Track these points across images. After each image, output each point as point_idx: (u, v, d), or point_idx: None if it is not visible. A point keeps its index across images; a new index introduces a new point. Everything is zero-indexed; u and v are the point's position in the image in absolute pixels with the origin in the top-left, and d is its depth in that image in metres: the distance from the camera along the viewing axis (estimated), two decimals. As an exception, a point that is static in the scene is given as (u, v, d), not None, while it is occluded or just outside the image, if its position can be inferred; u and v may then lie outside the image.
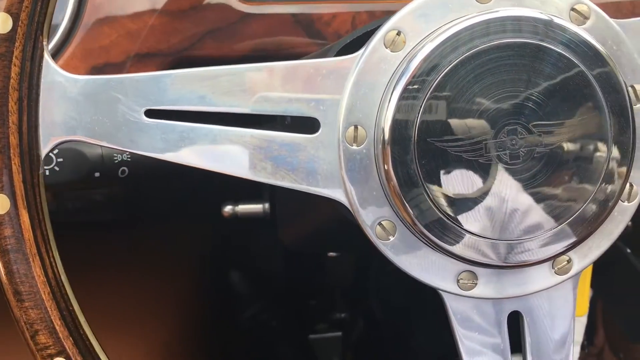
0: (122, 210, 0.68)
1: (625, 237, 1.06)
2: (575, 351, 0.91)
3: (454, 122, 0.39)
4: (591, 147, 0.40)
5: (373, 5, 0.65)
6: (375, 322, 1.17)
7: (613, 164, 0.41)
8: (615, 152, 0.41)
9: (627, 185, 0.42)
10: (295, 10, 0.63)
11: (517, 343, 0.47)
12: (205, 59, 0.62)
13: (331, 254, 0.86)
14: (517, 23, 0.39)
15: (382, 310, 1.17)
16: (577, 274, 0.44)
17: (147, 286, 0.89)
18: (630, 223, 1.08)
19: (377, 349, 1.17)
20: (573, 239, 0.42)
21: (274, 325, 1.17)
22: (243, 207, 0.74)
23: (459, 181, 0.39)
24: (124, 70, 0.60)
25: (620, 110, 0.40)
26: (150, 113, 0.40)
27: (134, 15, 0.60)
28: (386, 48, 0.40)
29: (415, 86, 0.39)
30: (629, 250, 0.99)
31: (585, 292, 0.76)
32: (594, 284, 0.80)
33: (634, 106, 0.41)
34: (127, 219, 0.74)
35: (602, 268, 0.79)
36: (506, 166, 0.40)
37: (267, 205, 0.73)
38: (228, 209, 0.75)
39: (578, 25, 0.41)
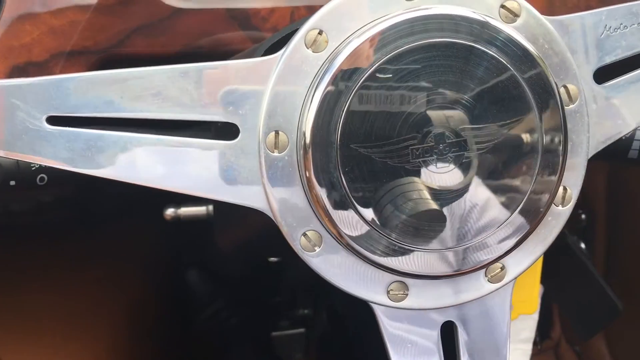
0: (48, 216, 0.65)
1: (580, 230, 1.07)
2: (526, 348, 0.92)
3: (377, 126, 0.37)
4: (521, 150, 0.39)
5: (312, 0, 0.63)
6: (338, 317, 1.16)
7: (544, 168, 0.39)
8: (546, 156, 0.39)
9: (561, 188, 0.41)
10: (230, 5, 0.60)
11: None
12: (135, 56, 0.59)
13: (272, 259, 0.84)
14: (444, 22, 0.38)
15: (345, 306, 1.16)
16: (512, 281, 0.43)
17: (88, 292, 0.86)
18: (584, 216, 1.09)
19: (340, 345, 1.16)
20: (505, 246, 0.40)
21: (235, 323, 1.15)
22: (185, 210, 0.71)
23: (385, 189, 0.38)
24: (47, 69, 0.57)
25: (551, 112, 0.39)
26: (54, 120, 0.37)
27: (57, 11, 0.57)
28: (307, 48, 0.38)
29: (337, 89, 0.37)
30: (583, 246, 0.99)
31: (535, 289, 0.75)
32: (545, 280, 0.80)
33: (566, 107, 0.40)
34: (55, 224, 0.71)
35: (552, 264, 0.79)
36: (434, 172, 0.38)
37: (210, 207, 0.70)
38: (170, 211, 0.72)
39: (508, 23, 0.39)
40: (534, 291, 0.75)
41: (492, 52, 0.38)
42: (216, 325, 1.11)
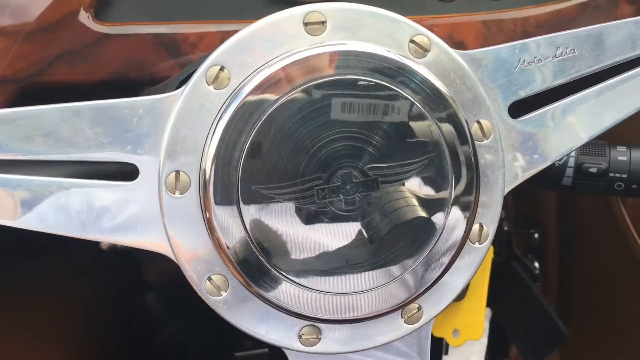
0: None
1: (534, 249, 1.07)
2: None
3: (281, 166, 0.36)
4: (432, 190, 0.38)
5: (244, 26, 0.61)
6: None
7: (456, 207, 0.38)
8: (457, 194, 0.38)
9: (477, 226, 0.40)
10: (158, 31, 0.58)
11: None
12: (58, 85, 0.56)
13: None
14: (349, 58, 0.36)
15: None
16: (430, 321, 0.41)
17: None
18: (537, 235, 1.08)
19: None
20: (420, 287, 0.39)
21: (195, 345, 1.12)
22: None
23: (290, 232, 0.36)
24: (-37, 98, 0.55)
25: (462, 150, 0.38)
26: None
27: (-27, 37, 0.55)
28: (209, 85, 0.36)
29: (238, 127, 0.35)
30: (537, 265, 0.99)
31: (481, 314, 0.74)
32: (492, 304, 0.79)
33: (479, 143, 0.39)
34: None
35: (498, 288, 0.78)
36: (342, 213, 0.37)
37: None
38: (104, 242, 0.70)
39: (418, 58, 0.38)
40: (480, 316, 0.74)
41: (399, 89, 0.37)
42: (176, 347, 1.08)
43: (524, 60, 0.40)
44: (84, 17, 0.56)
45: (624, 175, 0.56)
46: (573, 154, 0.58)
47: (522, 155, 0.41)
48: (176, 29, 0.59)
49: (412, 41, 0.38)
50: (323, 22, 0.37)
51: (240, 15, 0.65)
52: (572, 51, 0.41)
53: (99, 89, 0.57)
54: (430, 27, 0.66)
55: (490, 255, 0.77)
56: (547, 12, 0.67)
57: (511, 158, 0.41)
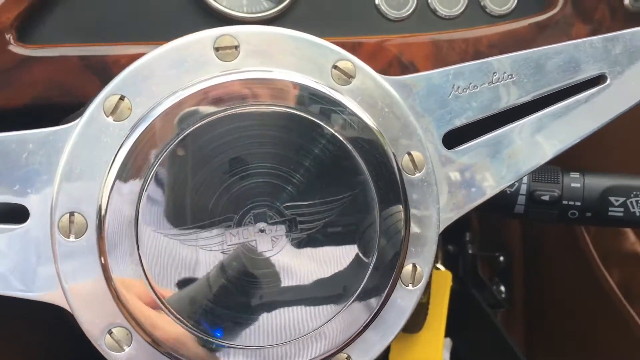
0: None
1: (500, 271, 1.05)
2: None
3: (186, 206, 0.32)
4: (357, 228, 0.35)
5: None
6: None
7: (384, 247, 0.35)
8: (385, 233, 0.35)
9: (409, 266, 0.37)
10: (85, 53, 0.55)
11: None
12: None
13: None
14: (264, 87, 0.33)
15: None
16: None
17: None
18: (502, 258, 1.06)
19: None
20: (346, 336, 0.36)
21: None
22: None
23: (197, 280, 0.33)
24: None
25: (389, 185, 0.35)
26: None
27: None
28: (107, 116, 0.33)
29: (137, 163, 0.32)
30: (503, 288, 0.96)
31: (439, 346, 0.71)
32: (451, 334, 0.76)
33: (411, 176, 0.36)
34: None
35: (458, 318, 0.75)
36: (256, 257, 0.33)
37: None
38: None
39: (342, 85, 0.35)
40: (439, 348, 0.71)
41: (319, 120, 0.34)
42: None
43: (458, 87, 0.38)
44: (5, 39, 0.53)
45: (578, 203, 0.53)
46: (525, 180, 0.55)
47: (459, 189, 0.38)
48: (106, 51, 0.56)
49: (335, 67, 0.35)
50: (236, 47, 0.34)
51: (178, 36, 0.62)
52: (510, 76, 0.38)
53: (21, 115, 0.53)
54: (379, 47, 0.64)
55: (449, 283, 0.74)
56: (500, 31, 0.65)
57: (447, 192, 0.38)
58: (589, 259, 0.76)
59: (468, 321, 0.76)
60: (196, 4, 0.60)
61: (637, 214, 0.53)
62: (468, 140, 0.39)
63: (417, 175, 0.37)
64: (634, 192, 0.53)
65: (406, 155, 0.37)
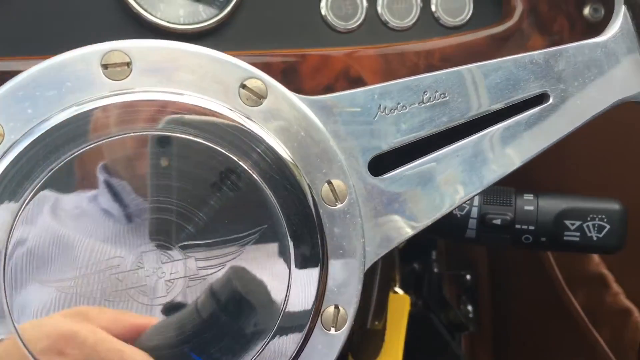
0: None
1: (467, 291, 1.01)
2: None
3: (63, 248, 0.28)
4: (267, 268, 0.31)
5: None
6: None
7: (299, 288, 0.31)
8: (300, 272, 0.31)
9: (332, 308, 0.33)
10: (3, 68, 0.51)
11: None
12: None
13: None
14: (159, 109, 0.29)
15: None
16: None
17: None
18: (469, 277, 1.02)
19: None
20: (258, 388, 0.32)
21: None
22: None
23: (79, 332, 0.28)
24: None
25: (303, 218, 0.31)
26: None
27: None
28: None
29: (6, 196, 0.28)
30: (470, 308, 0.93)
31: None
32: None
33: (332, 207, 0.32)
34: None
35: (416, 342, 0.72)
36: (148, 305, 0.29)
37: None
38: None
39: (251, 106, 0.31)
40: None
41: (220, 148, 0.30)
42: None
43: (385, 107, 0.34)
44: None
45: (531, 227, 0.50)
46: (476, 203, 0.52)
47: (388, 221, 0.34)
48: (22, 66, 0.51)
49: (243, 86, 0.32)
50: (128, 64, 0.30)
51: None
52: (442, 96, 0.35)
53: None
54: (324, 61, 0.61)
55: (407, 307, 0.70)
56: (453, 44, 0.62)
57: (373, 224, 0.34)
58: (554, 281, 0.72)
59: (425, 346, 0.73)
60: (130, 18, 0.56)
61: (595, 238, 0.50)
62: (398, 166, 0.35)
63: (339, 206, 0.33)
64: (590, 215, 0.50)
65: (326, 184, 0.33)
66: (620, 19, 0.36)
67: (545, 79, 0.35)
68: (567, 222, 0.50)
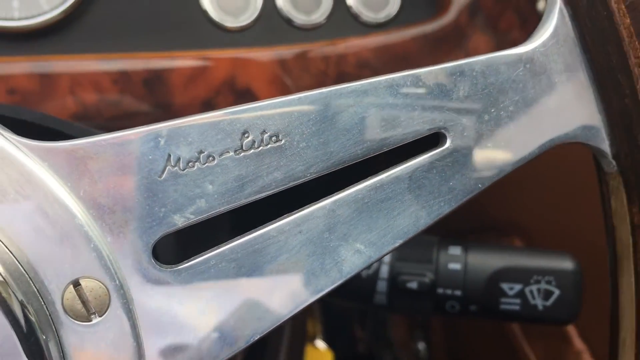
0: None
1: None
2: None
3: None
4: None
5: None
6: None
7: None
8: None
9: None
10: None
11: None
12: None
13: None
14: None
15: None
16: None
17: None
18: (424, 344, 0.90)
19: None
20: None
21: None
22: None
23: None
24: None
25: (33, 346, 0.19)
26: None
27: None
28: None
29: None
30: None
31: None
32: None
33: (85, 323, 0.20)
34: None
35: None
36: None
37: None
38: None
39: None
40: None
41: None
42: None
43: (179, 159, 0.22)
44: None
45: (458, 292, 0.38)
46: (386, 258, 0.40)
47: (183, 341, 0.22)
48: None
49: None
50: None
51: None
52: (275, 139, 0.23)
53: None
54: (201, 67, 0.48)
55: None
56: (374, 46, 0.50)
57: (158, 347, 0.22)
58: (510, 331, 0.61)
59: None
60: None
61: (540, 307, 0.38)
62: (204, 248, 0.23)
63: (95, 321, 0.21)
64: (534, 277, 0.38)
65: (70, 288, 0.21)
66: (555, 19, 0.24)
67: (439, 110, 0.23)
68: (505, 286, 0.38)
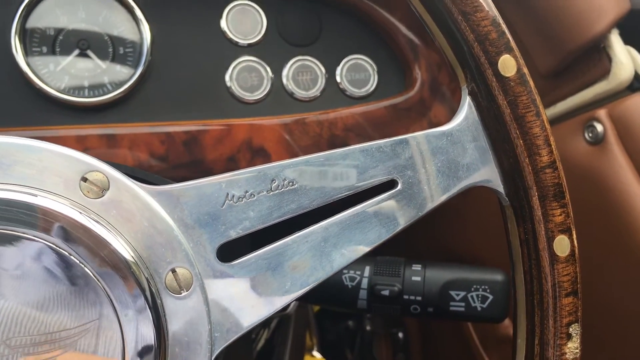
0: None
1: (401, 347, 1.01)
2: None
3: None
4: (99, 361, 0.31)
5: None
6: None
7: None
8: (136, 363, 0.31)
9: None
10: None
11: None
12: None
13: None
14: None
15: None
16: None
17: None
18: (401, 334, 1.01)
19: None
20: None
21: None
22: None
23: None
24: None
25: (139, 311, 0.31)
26: None
27: None
28: None
29: None
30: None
31: None
32: None
33: (177, 295, 0.33)
34: None
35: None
36: None
37: None
38: None
39: (93, 198, 0.32)
40: None
41: (53, 244, 0.30)
42: None
43: (233, 196, 0.35)
44: None
45: (418, 298, 0.51)
46: (367, 273, 0.53)
47: (237, 306, 0.35)
48: None
49: (84, 179, 0.33)
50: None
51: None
52: (291, 183, 0.36)
53: None
54: (226, 132, 0.62)
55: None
56: (356, 114, 0.64)
57: (222, 310, 0.35)
58: (471, 342, 0.73)
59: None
60: (36, 95, 0.57)
61: (479, 308, 0.51)
62: (252, 251, 0.36)
63: (183, 294, 0.34)
64: (474, 286, 0.51)
65: (170, 272, 0.34)
66: (465, 109, 0.38)
67: (394, 166, 0.37)
68: (453, 293, 0.51)
